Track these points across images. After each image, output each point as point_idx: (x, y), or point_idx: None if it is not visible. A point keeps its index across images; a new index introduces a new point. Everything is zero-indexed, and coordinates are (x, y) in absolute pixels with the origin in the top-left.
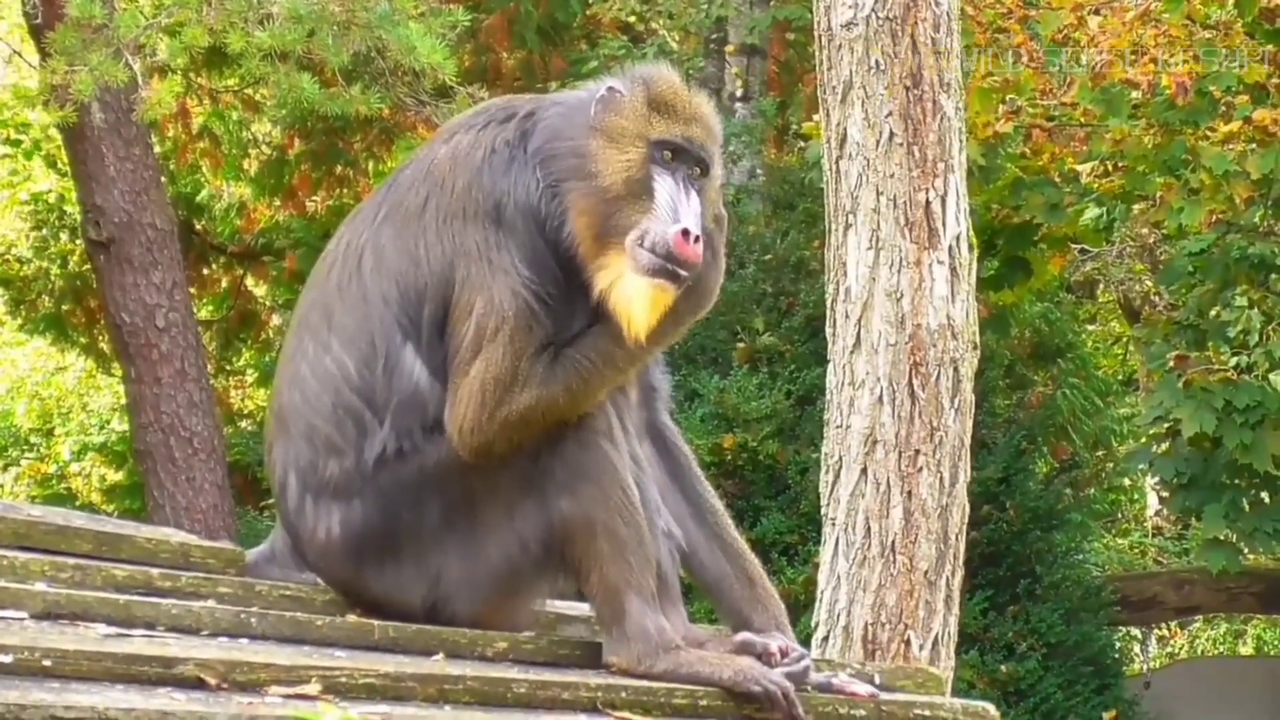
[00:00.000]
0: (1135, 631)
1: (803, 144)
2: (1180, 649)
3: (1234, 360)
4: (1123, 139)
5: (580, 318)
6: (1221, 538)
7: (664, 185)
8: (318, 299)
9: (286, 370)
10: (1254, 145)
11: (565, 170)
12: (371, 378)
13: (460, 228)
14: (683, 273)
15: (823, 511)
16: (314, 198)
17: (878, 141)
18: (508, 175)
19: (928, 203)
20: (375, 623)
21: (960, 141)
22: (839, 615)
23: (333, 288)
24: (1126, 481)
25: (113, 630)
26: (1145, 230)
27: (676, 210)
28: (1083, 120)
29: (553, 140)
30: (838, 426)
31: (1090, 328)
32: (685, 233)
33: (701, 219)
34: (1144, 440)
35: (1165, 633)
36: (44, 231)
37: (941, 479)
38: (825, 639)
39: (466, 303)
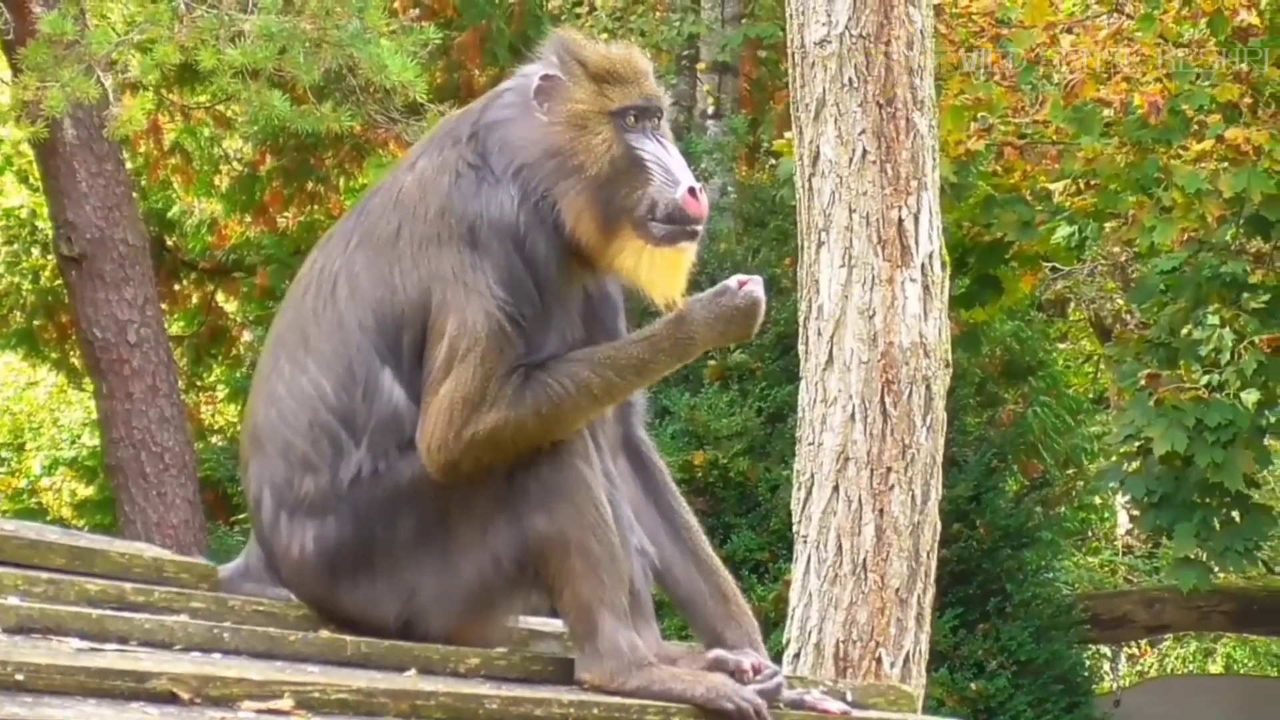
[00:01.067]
0: (1105, 650)
1: (774, 161)
2: (1150, 667)
3: (1205, 379)
4: (1095, 157)
5: (556, 340)
6: (1192, 556)
7: (646, 151)
8: (294, 321)
9: (262, 389)
10: (1226, 164)
11: (548, 175)
12: (350, 400)
13: (435, 253)
14: (699, 229)
15: (794, 529)
16: (285, 214)
17: (851, 159)
18: (478, 197)
19: (900, 220)
20: (348, 638)
21: (933, 159)
22: (810, 632)
23: (308, 311)
24: (1097, 500)
25: (86, 645)
26: (1117, 249)
27: (670, 171)
28: (1055, 138)
29: (519, 150)
30: (810, 444)
31: (1061, 346)
32: (690, 190)
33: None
34: (1115, 458)
35: (1135, 651)
36: (15, 247)
37: (913, 497)
38: (797, 656)
39: (441, 324)
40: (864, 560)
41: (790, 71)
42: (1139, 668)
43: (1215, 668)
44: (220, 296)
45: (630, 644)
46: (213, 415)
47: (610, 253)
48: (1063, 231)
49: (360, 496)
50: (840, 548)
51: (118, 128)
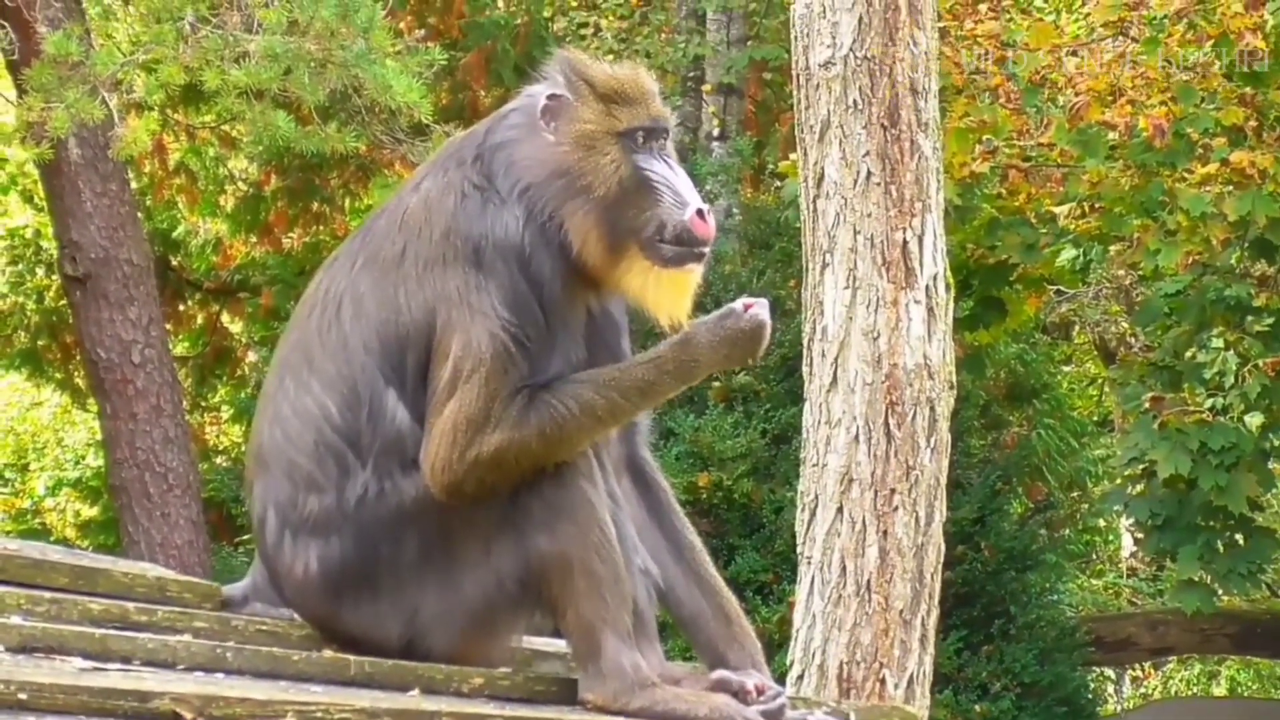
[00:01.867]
0: (1109, 672)
1: (779, 183)
2: (1154, 690)
3: (1209, 402)
4: (1100, 180)
5: (560, 361)
6: (1196, 579)
7: (654, 172)
8: (299, 341)
9: (267, 409)
10: (1231, 187)
11: (554, 195)
12: (355, 420)
13: (440, 273)
14: (707, 251)
15: (798, 550)
16: (290, 234)
17: (855, 181)
18: (483, 217)
19: (905, 242)
20: (351, 658)
21: (938, 181)
22: (814, 654)
23: (313, 331)
24: (1101, 522)
25: (89, 664)
26: (1121, 271)
27: (679, 192)
28: (1059, 161)
29: (525, 171)
30: (814, 465)
31: (1066, 368)
32: (699, 211)
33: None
34: (1119, 481)
35: (1139, 673)
36: (20, 267)
37: (917, 518)
38: (800, 677)
39: (445, 345)
40: (868, 582)
41: (795, 93)
42: (1143, 690)
43: (1219, 690)
44: (225, 317)
45: (634, 664)
46: (217, 436)
47: (617, 273)
48: (1067, 254)
49: (364, 516)
50: (844, 569)
51: (123, 148)
